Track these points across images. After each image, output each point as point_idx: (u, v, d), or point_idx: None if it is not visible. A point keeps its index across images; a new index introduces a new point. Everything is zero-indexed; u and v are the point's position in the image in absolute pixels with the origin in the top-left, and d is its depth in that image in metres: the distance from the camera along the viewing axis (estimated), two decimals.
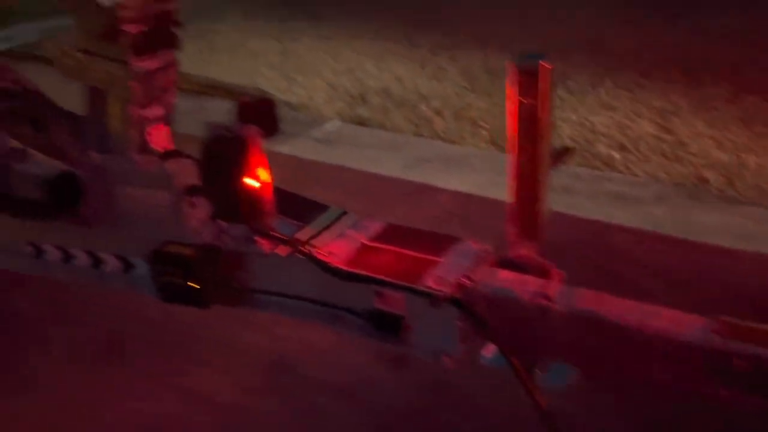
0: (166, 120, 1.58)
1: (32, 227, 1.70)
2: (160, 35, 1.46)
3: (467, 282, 1.22)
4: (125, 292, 2.04)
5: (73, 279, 1.70)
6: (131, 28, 1.40)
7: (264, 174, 1.37)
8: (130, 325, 2.08)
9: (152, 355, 1.97)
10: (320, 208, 1.54)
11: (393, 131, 3.60)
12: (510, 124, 1.15)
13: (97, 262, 1.63)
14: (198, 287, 1.42)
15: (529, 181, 1.17)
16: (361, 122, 3.76)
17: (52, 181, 1.56)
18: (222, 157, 1.32)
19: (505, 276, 1.23)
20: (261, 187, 1.37)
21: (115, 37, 1.41)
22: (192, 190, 1.44)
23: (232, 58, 4.79)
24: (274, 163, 1.40)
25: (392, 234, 1.43)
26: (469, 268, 1.25)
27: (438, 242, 1.35)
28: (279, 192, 1.45)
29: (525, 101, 1.11)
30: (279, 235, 1.39)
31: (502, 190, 2.85)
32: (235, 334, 2.00)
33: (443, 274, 1.24)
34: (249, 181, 1.34)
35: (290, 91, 4.31)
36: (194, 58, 4.57)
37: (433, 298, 1.22)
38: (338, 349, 1.92)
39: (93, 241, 1.62)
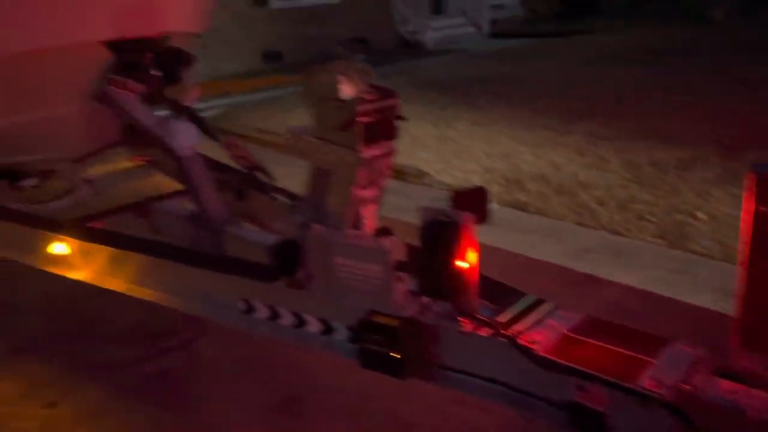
0: (378, 201, 1.75)
1: (242, 285, 1.91)
2: (385, 127, 1.65)
3: (687, 388, 1.19)
4: (303, 355, 2.21)
5: (276, 336, 1.87)
6: (364, 120, 1.59)
7: (473, 258, 1.46)
8: (307, 387, 2.21)
9: (325, 418, 2.07)
10: (516, 294, 1.59)
11: (553, 218, 3.60)
12: (744, 233, 1.14)
13: (300, 323, 1.78)
14: (399, 358, 1.51)
15: (761, 292, 1.14)
16: (519, 207, 3.81)
17: (277, 247, 1.75)
18: (437, 238, 1.43)
19: (729, 387, 1.18)
20: (468, 270, 1.45)
21: (348, 127, 1.61)
22: (401, 266, 1.56)
23: None
24: None
25: (594, 327, 1.43)
26: (686, 373, 1.22)
27: (647, 341, 1.34)
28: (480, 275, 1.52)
29: (764, 210, 1.10)
30: (482, 317, 1.46)
31: (673, 288, 2.76)
32: (405, 407, 2.05)
33: (659, 376, 1.22)
34: (459, 263, 1.43)
35: (447, 173, 4.49)
36: None
37: (647, 400, 1.20)
38: None
39: (298, 303, 1.79)
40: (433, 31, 12.61)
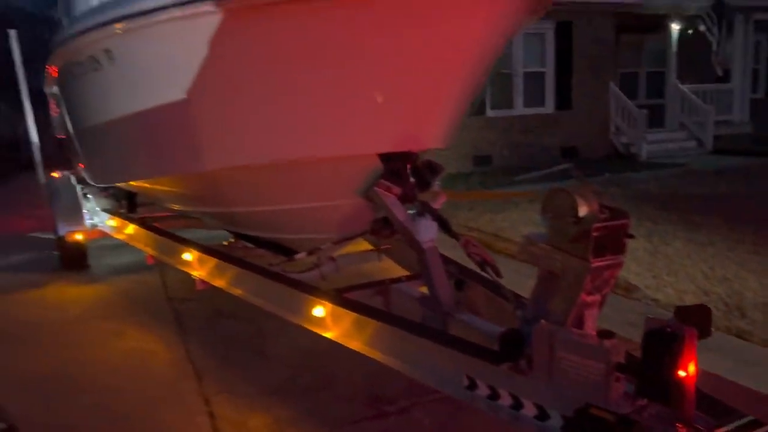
0: (600, 306, 1.96)
1: (464, 363, 2.20)
2: (614, 242, 1.89)
3: None
4: None
5: (492, 413, 2.11)
6: (596, 234, 1.85)
7: (692, 369, 1.59)
8: None
9: None
10: (735, 413, 1.66)
11: None
12: None
13: (517, 405, 2.02)
14: None
15: None
16: (740, 335, 3.61)
17: (505, 335, 2.04)
18: (661, 346, 1.60)
19: None
20: (688, 379, 1.59)
21: (580, 240, 1.88)
22: (621, 367, 1.74)
23: None
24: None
25: None
26: None
27: None
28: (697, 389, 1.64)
29: None
30: (699, 426, 1.57)
31: None
32: None
33: None
34: (680, 372, 1.58)
35: (658, 290, 4.40)
36: None
37: None
38: None
39: (517, 387, 2.02)
40: (649, 144, 12.35)
